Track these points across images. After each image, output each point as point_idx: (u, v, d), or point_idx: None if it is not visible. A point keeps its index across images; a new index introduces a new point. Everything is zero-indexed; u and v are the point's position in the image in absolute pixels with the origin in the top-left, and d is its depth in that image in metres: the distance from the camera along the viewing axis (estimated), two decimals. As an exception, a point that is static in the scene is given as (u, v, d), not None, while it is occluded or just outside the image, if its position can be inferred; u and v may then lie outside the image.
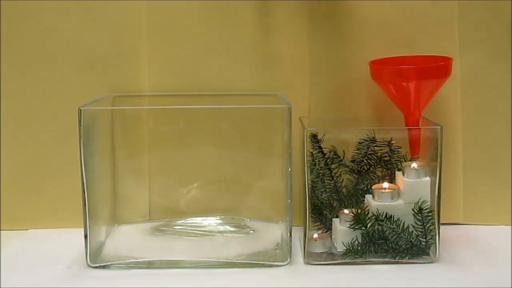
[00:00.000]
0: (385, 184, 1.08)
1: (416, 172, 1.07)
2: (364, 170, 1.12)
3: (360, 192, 1.11)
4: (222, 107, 1.16)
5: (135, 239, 1.17)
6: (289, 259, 1.07)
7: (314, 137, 1.10)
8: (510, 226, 1.22)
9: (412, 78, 1.10)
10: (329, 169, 1.11)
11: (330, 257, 1.08)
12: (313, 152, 1.10)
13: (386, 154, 1.11)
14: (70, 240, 1.15)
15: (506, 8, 1.20)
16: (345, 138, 1.12)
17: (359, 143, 1.11)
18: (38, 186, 1.22)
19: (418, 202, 1.05)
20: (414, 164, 1.08)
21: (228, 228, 1.19)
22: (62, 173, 1.21)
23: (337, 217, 1.10)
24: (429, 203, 1.06)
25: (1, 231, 1.22)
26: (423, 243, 1.06)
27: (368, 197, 1.09)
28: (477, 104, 1.22)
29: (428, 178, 1.07)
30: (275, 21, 1.20)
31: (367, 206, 1.08)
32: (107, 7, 1.19)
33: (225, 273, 1.04)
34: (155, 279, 1.02)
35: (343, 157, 1.11)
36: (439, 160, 1.06)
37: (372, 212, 1.06)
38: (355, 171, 1.12)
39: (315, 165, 1.10)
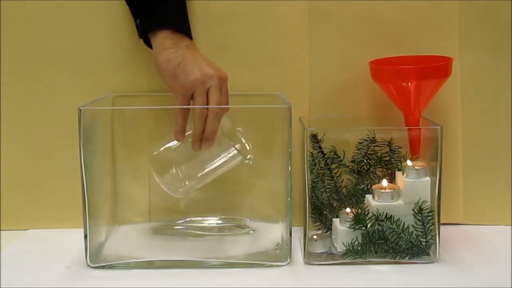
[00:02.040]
0: (385, 183, 1.08)
1: (416, 172, 1.07)
2: (364, 170, 1.12)
3: (360, 192, 1.11)
4: (222, 107, 1.16)
5: (135, 239, 1.17)
6: (289, 259, 1.07)
7: (314, 137, 1.10)
8: (510, 226, 1.22)
9: (412, 78, 1.10)
10: (329, 169, 1.11)
11: (330, 257, 1.08)
12: (313, 152, 1.10)
13: (386, 154, 1.11)
14: (70, 240, 1.15)
15: (506, 8, 1.20)
16: (345, 138, 1.12)
17: (359, 143, 1.11)
18: (38, 186, 1.22)
19: (418, 202, 1.05)
20: (413, 163, 1.08)
21: (228, 228, 1.19)
22: (62, 173, 1.21)
23: (337, 217, 1.10)
24: (429, 203, 1.06)
25: (1, 231, 1.22)
26: (423, 243, 1.06)
27: (368, 197, 1.09)
28: (477, 104, 1.22)
29: (428, 178, 1.07)
30: (276, 22, 1.20)
31: (367, 206, 1.08)
32: (107, 7, 1.19)
33: (225, 273, 1.04)
34: (155, 279, 1.02)
35: (343, 157, 1.11)
36: (439, 160, 1.06)
37: (372, 212, 1.06)
38: (355, 171, 1.12)
39: (315, 165, 1.10)
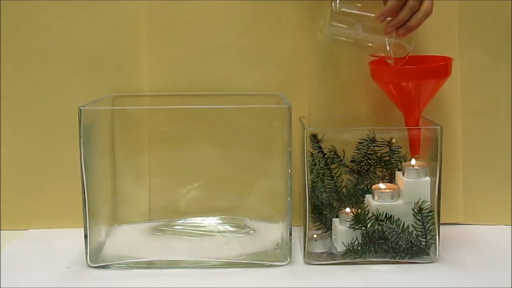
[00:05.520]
0: (382, 185, 1.08)
1: (416, 172, 1.07)
2: (364, 170, 1.12)
3: (360, 192, 1.11)
4: (222, 107, 1.16)
5: (135, 239, 1.17)
6: (289, 259, 1.07)
7: (314, 137, 1.10)
8: (510, 226, 1.22)
9: (412, 78, 1.10)
10: (329, 169, 1.11)
11: (330, 257, 1.08)
12: (313, 152, 1.10)
13: (386, 154, 1.11)
14: (70, 240, 1.15)
15: (506, 8, 1.20)
16: (345, 138, 1.12)
17: (359, 143, 1.11)
18: (38, 186, 1.22)
19: (418, 202, 1.05)
20: (413, 163, 1.08)
21: (228, 228, 1.19)
22: (62, 173, 1.21)
23: (337, 217, 1.10)
24: (429, 203, 1.06)
25: (1, 231, 1.22)
26: (423, 243, 1.06)
27: (368, 197, 1.09)
28: (477, 104, 1.22)
29: (428, 178, 1.07)
30: (276, 22, 1.20)
31: (367, 206, 1.08)
32: (107, 7, 1.19)
33: (225, 273, 1.04)
34: (155, 279, 1.02)
35: (343, 157, 1.11)
36: (439, 160, 1.06)
37: (372, 212, 1.06)
38: (355, 171, 1.12)
39: (315, 165, 1.10)
